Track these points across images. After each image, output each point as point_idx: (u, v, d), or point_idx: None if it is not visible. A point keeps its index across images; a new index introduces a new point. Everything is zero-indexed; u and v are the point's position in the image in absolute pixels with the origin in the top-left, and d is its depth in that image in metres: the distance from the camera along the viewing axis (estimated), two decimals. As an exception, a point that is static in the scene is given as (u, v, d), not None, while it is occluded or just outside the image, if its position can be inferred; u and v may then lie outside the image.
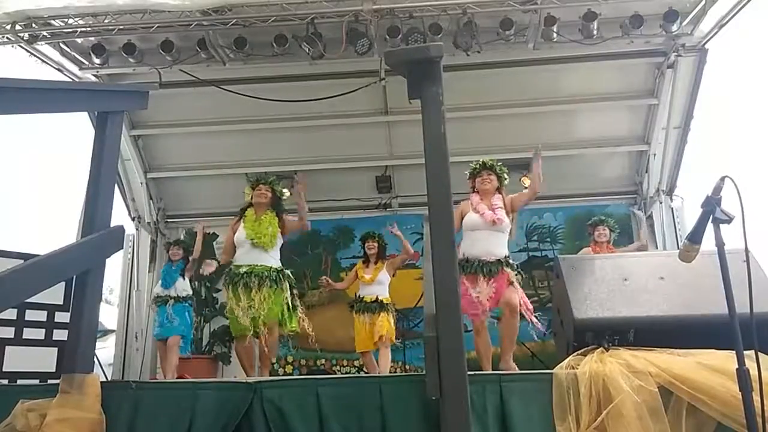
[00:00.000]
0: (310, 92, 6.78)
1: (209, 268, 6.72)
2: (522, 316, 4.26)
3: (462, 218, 4.44)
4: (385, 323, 5.78)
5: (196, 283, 7.24)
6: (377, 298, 5.89)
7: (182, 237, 7.69)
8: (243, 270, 4.53)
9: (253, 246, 4.58)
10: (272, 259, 4.64)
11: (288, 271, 4.72)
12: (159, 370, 7.07)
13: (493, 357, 4.39)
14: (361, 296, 5.98)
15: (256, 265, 4.53)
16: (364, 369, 6.38)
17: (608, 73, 7.05)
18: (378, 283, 5.95)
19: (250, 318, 4.41)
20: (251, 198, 4.85)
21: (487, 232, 4.34)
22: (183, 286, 6.52)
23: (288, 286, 4.62)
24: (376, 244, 6.15)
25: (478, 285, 4.20)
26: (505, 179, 4.63)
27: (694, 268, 2.47)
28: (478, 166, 4.62)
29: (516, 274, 4.29)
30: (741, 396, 2.08)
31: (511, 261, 4.36)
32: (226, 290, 4.64)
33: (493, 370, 4.23)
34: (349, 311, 6.06)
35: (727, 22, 5.89)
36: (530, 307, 4.34)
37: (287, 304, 4.57)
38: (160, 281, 6.63)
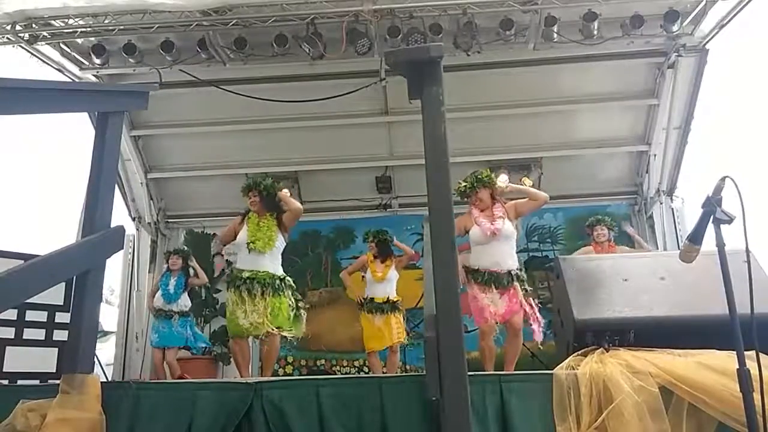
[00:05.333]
0: (310, 92, 6.77)
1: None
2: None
3: (463, 230, 4.48)
4: (399, 325, 5.78)
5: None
6: (388, 298, 5.86)
7: (182, 238, 7.68)
8: (245, 275, 4.54)
9: (250, 250, 4.59)
10: (273, 265, 4.65)
11: (289, 279, 4.73)
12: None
13: (495, 360, 4.43)
14: (370, 297, 5.91)
15: (259, 272, 4.54)
16: (365, 369, 6.36)
17: (609, 74, 7.05)
18: (388, 281, 5.92)
19: (252, 322, 4.40)
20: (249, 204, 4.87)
21: (492, 243, 4.40)
22: (185, 301, 6.50)
23: (290, 293, 4.64)
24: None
25: (490, 293, 4.27)
26: (495, 184, 4.64)
27: (695, 268, 2.47)
28: (463, 188, 4.62)
29: (522, 287, 4.39)
30: (742, 396, 2.08)
31: (521, 273, 4.44)
32: (228, 292, 4.64)
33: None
34: (358, 310, 6.01)
35: (728, 22, 5.89)
36: (539, 317, 4.40)
37: (291, 310, 4.59)
38: (161, 292, 6.51)
